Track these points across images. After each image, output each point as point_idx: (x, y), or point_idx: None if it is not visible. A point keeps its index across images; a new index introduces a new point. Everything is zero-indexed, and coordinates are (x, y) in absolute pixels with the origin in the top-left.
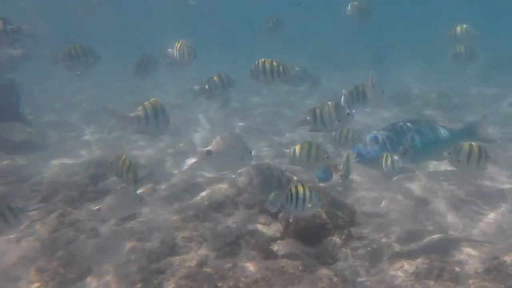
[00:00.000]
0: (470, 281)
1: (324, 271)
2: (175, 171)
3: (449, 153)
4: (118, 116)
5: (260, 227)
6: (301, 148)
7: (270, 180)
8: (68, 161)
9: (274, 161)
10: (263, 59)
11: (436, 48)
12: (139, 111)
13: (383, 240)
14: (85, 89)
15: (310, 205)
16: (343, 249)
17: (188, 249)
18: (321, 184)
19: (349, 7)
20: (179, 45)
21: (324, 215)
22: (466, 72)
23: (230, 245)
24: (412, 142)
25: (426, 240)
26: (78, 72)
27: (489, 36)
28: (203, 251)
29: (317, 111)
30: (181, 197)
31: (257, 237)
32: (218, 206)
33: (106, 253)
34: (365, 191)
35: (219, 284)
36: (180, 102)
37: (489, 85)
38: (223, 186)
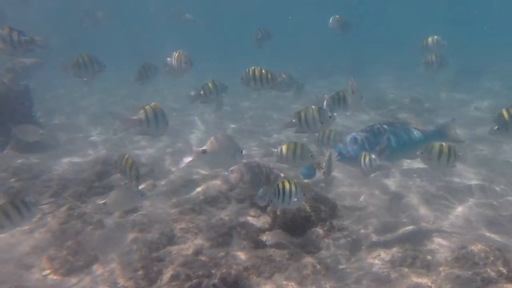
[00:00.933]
0: (441, 268)
1: (308, 259)
2: (173, 169)
3: (422, 153)
4: (121, 118)
5: (250, 219)
6: (288, 148)
7: (259, 177)
8: (76, 159)
9: (263, 160)
10: (253, 67)
11: (409, 57)
12: (141, 114)
13: (362, 231)
14: (91, 95)
15: (295, 199)
16: (326, 239)
17: (185, 239)
18: (306, 180)
19: (331, 20)
20: (177, 54)
21: (308, 209)
22: (436, 79)
23: (223, 236)
24: (388, 143)
25: (400, 231)
26: (85, 79)
27: (458, 45)
28: (198, 241)
29: (302, 114)
30: (179, 192)
31: (247, 228)
32: (212, 200)
33: (111, 243)
34: (345, 186)
35: (213, 271)
36: (178, 106)
37: (457, 91)
38: (217, 182)
